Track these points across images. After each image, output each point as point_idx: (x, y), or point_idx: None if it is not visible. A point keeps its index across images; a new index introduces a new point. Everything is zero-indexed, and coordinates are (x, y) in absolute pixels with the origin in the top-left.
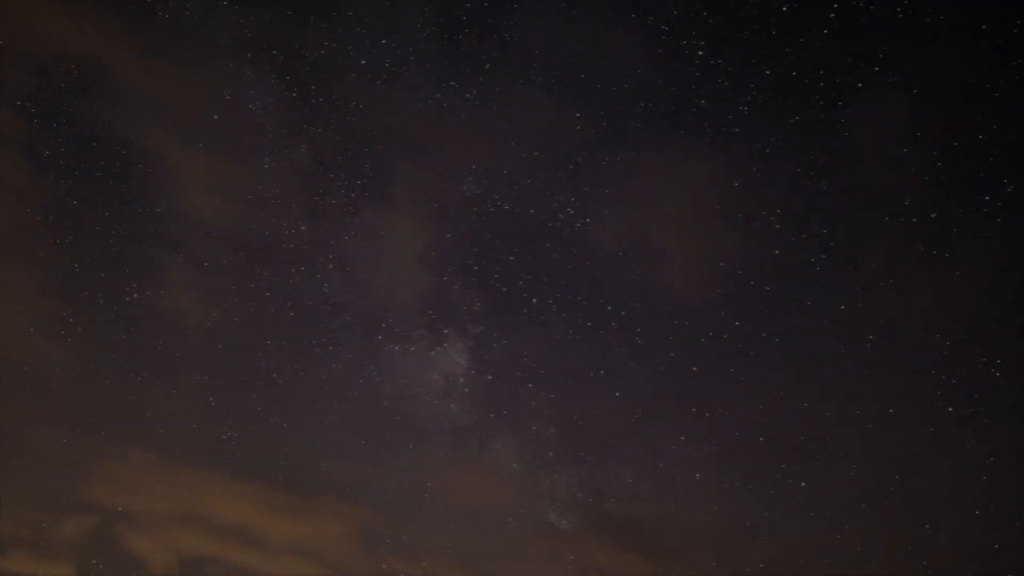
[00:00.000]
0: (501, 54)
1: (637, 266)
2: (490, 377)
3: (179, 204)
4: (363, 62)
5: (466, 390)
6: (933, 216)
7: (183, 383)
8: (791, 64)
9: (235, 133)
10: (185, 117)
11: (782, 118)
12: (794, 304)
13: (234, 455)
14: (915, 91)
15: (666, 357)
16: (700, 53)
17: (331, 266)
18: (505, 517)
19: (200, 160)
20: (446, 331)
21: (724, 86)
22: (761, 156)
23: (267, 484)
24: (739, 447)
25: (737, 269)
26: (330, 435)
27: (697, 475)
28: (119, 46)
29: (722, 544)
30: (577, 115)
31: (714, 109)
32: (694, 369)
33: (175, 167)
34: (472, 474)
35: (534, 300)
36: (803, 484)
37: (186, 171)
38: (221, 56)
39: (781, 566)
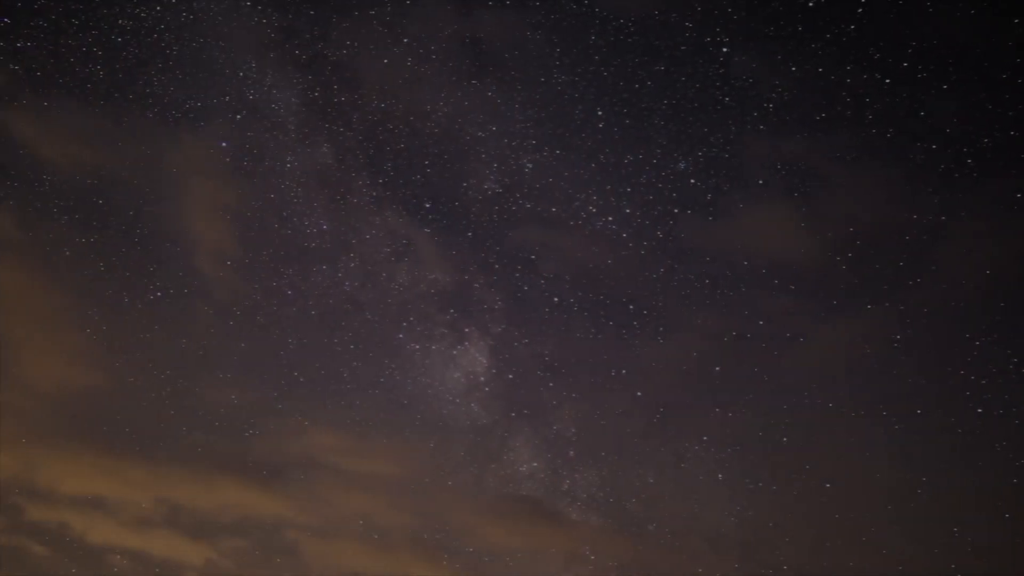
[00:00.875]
0: (522, 52)
1: (660, 264)
2: (511, 376)
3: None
4: (385, 61)
5: (487, 389)
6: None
7: (206, 380)
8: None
9: (258, 132)
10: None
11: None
12: (819, 305)
13: (256, 454)
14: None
15: (689, 357)
16: (724, 50)
17: (353, 265)
18: (527, 516)
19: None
20: (467, 330)
21: (748, 83)
22: (785, 154)
23: (286, 483)
24: (762, 448)
25: (762, 269)
26: (352, 432)
27: (720, 475)
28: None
29: (745, 545)
30: (599, 112)
31: (738, 106)
32: (717, 369)
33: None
34: (492, 472)
35: (555, 299)
36: (827, 485)
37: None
38: (244, 56)
39: (805, 567)
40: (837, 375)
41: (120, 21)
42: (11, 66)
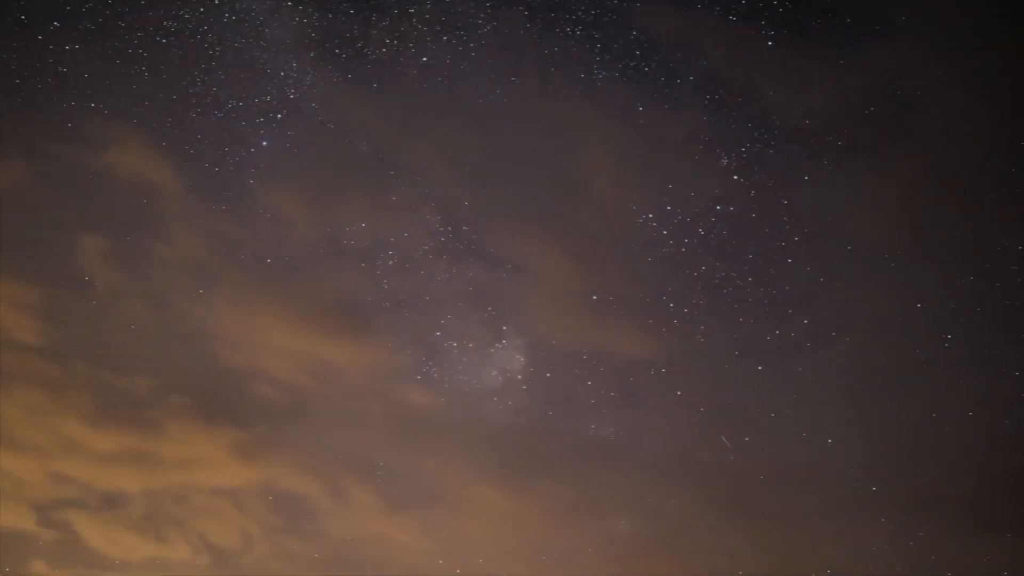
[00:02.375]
0: (562, 48)
1: (700, 262)
2: (548, 375)
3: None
4: (424, 59)
5: (524, 387)
6: None
7: None
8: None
9: (298, 131)
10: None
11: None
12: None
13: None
14: None
15: (730, 356)
16: (769, 44)
17: (391, 262)
18: (563, 517)
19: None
20: (504, 328)
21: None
22: (834, 148)
23: (326, 473)
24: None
25: (806, 266)
26: (388, 429)
27: (761, 476)
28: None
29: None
30: (640, 108)
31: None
32: (759, 368)
33: None
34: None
35: (594, 297)
36: (873, 488)
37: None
38: (286, 56)
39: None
40: (884, 377)
41: (165, 23)
42: (60, 68)
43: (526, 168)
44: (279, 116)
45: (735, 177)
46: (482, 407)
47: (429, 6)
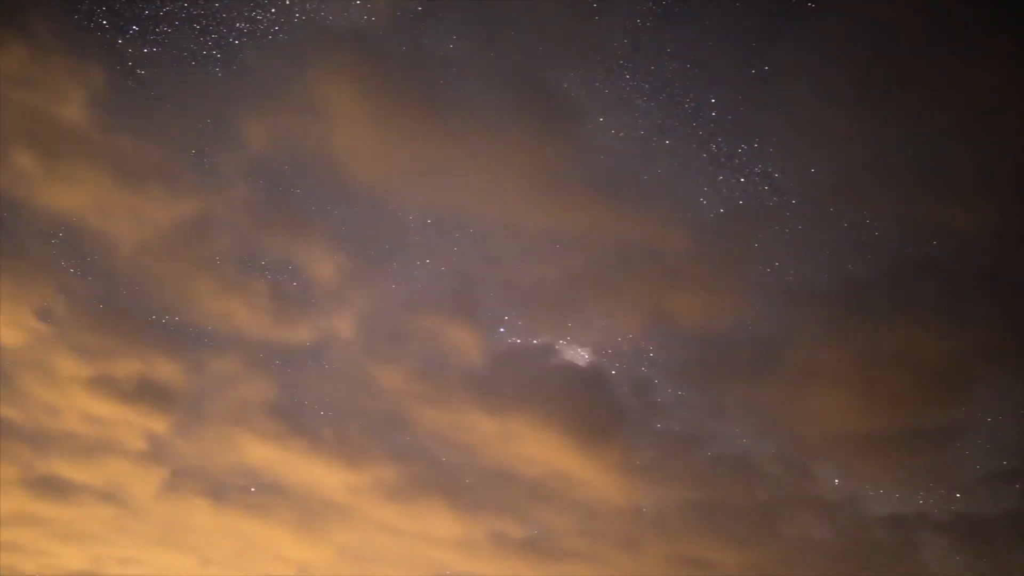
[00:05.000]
0: (632, 40)
1: (775, 259)
2: (614, 372)
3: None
4: (492, 55)
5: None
6: None
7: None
8: None
9: None
10: None
11: None
12: None
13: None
14: None
15: None
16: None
17: (455, 259)
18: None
19: None
20: (569, 324)
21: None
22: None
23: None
24: None
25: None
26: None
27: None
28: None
29: None
30: (713, 100)
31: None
32: None
33: None
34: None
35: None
36: None
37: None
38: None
39: None
40: None
41: (238, 24)
42: (139, 71)
43: None
44: None
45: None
46: None
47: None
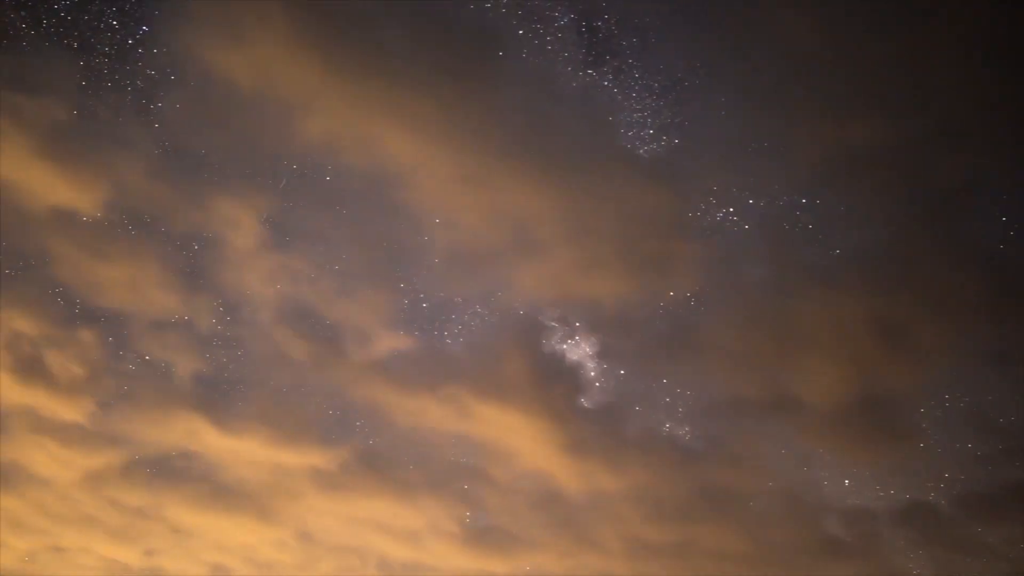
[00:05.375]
0: (641, 40)
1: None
2: (622, 372)
3: None
4: (500, 54)
5: (597, 384)
6: None
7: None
8: None
9: None
10: None
11: None
12: None
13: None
14: None
15: None
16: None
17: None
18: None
19: None
20: (578, 324)
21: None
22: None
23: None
24: None
25: None
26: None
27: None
28: None
29: None
30: (723, 99)
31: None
32: None
33: None
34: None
35: (671, 293)
36: None
37: None
38: None
39: None
40: None
41: None
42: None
43: None
44: None
45: None
46: None
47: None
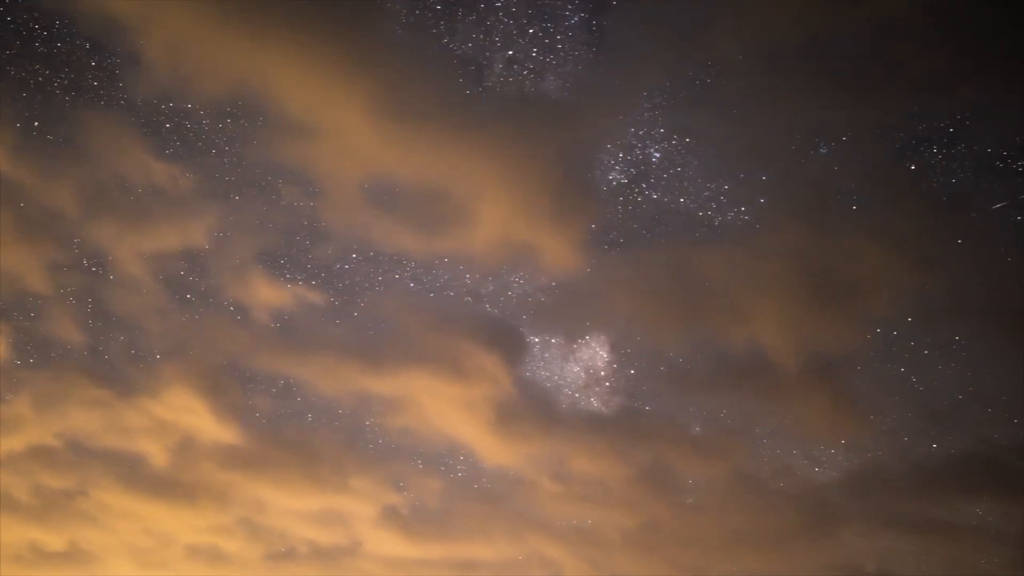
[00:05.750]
0: (653, 37)
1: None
2: (632, 372)
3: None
4: (510, 52)
5: (607, 384)
6: None
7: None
8: None
9: None
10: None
11: None
12: None
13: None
14: None
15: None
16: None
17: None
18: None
19: None
20: (588, 323)
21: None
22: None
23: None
24: None
25: None
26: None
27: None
28: None
29: None
30: (734, 99)
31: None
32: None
33: None
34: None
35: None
36: None
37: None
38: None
39: None
40: None
41: None
42: None
43: None
44: None
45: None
46: None
47: None
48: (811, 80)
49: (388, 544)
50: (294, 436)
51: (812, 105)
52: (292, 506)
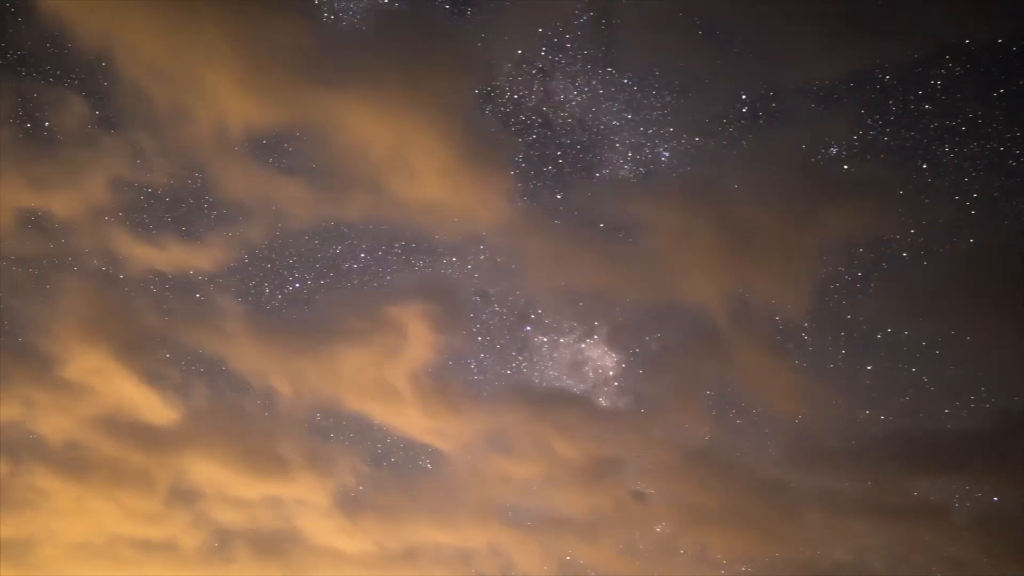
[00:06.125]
0: (661, 36)
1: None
2: (641, 371)
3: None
4: (519, 51)
5: (616, 384)
6: None
7: None
8: None
9: None
10: None
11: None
12: None
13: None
14: None
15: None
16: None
17: (482, 257)
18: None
19: None
20: (597, 323)
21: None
22: (957, 134)
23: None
24: None
25: None
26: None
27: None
28: None
29: None
30: (744, 97)
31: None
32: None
33: None
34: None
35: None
36: None
37: None
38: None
39: None
40: None
41: None
42: None
43: None
44: None
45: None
46: None
47: None
48: None
49: (328, 532)
50: (225, 417)
51: None
52: (228, 491)
